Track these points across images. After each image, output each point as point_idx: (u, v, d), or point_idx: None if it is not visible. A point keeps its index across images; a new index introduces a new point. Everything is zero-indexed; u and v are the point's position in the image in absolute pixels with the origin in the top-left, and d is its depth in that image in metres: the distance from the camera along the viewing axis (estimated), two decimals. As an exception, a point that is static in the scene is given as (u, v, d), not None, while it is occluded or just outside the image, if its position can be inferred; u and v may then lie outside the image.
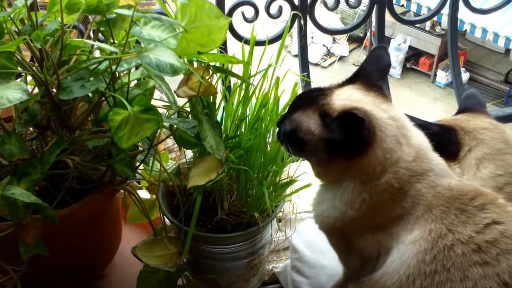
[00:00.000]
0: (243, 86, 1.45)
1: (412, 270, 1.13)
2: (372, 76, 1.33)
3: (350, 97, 1.26)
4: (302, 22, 1.92)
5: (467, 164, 1.46)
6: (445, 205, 1.18)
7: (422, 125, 1.42)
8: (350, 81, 1.34)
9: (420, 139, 1.27)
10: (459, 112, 1.62)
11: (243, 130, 1.47)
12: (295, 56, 2.05)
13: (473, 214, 1.16)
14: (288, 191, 1.52)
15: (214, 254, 1.46)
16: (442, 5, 2.14)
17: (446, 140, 1.48)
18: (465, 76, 10.90)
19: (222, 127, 1.43)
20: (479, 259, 1.10)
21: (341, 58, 12.21)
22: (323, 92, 1.28)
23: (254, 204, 1.45)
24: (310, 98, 1.29)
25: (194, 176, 1.33)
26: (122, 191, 1.45)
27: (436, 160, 1.26)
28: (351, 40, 12.40)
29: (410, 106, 10.18)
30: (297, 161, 1.50)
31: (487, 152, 1.45)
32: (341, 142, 1.20)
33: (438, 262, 1.12)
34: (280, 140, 1.33)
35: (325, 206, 1.30)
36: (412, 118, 1.43)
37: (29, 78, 1.30)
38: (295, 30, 1.99)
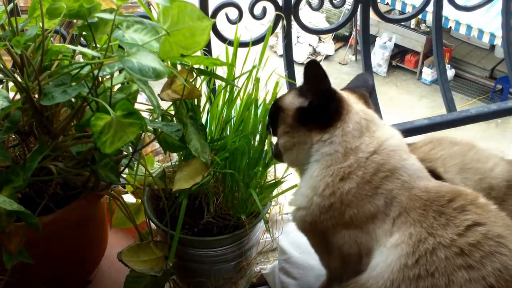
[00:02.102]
0: (228, 88, 1.44)
1: (396, 275, 1.13)
2: (358, 87, 1.44)
3: None
4: (285, 22, 1.92)
5: None
6: (423, 208, 1.18)
7: None
8: None
9: (388, 134, 1.29)
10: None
11: (228, 132, 1.46)
12: (281, 56, 2.04)
13: (453, 217, 1.15)
14: (274, 192, 1.52)
15: (201, 258, 1.45)
16: (426, 3, 2.15)
17: None
18: (450, 72, 10.96)
19: (207, 130, 1.42)
20: (463, 263, 1.09)
21: (327, 57, 12.19)
22: None
23: (241, 206, 1.45)
24: None
25: (179, 180, 1.33)
26: (107, 196, 1.43)
27: (411, 160, 1.27)
28: (336, 39, 12.41)
29: (396, 104, 10.22)
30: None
31: (465, 176, 1.43)
32: (311, 108, 1.29)
33: (421, 267, 1.11)
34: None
35: (298, 197, 1.33)
36: None
37: (11, 84, 1.28)
38: (281, 30, 1.98)
